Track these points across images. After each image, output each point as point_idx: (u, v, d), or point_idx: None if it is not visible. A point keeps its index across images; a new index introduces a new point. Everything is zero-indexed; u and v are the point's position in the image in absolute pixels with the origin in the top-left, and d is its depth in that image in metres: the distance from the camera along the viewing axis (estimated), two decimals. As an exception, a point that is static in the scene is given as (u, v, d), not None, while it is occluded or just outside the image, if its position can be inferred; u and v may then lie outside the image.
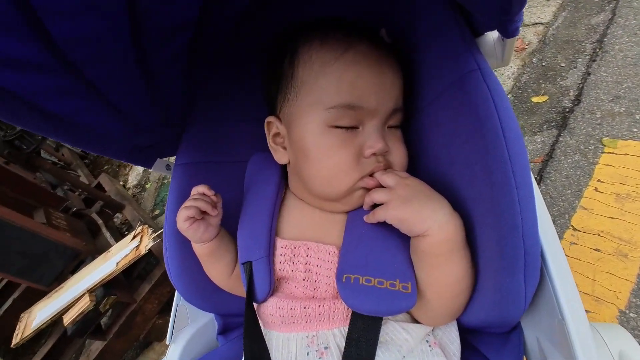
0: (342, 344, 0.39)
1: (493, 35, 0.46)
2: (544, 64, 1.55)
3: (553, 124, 1.31)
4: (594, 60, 1.43)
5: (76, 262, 1.31)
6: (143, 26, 0.39)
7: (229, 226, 0.50)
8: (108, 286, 1.14)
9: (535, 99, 1.44)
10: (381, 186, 0.42)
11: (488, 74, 0.36)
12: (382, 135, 0.44)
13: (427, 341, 0.41)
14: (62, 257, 1.24)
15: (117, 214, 1.89)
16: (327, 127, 0.43)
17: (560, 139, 1.25)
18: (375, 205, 0.42)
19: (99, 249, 1.42)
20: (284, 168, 0.54)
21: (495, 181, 0.34)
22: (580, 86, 1.37)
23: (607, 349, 0.35)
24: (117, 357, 1.25)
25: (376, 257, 0.40)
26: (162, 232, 1.23)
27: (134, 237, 1.20)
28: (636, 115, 1.17)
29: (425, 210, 0.37)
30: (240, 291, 0.52)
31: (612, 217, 0.99)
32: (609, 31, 1.49)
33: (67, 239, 1.26)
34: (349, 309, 0.40)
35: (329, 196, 0.46)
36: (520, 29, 1.90)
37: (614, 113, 1.21)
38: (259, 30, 0.58)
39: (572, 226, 1.02)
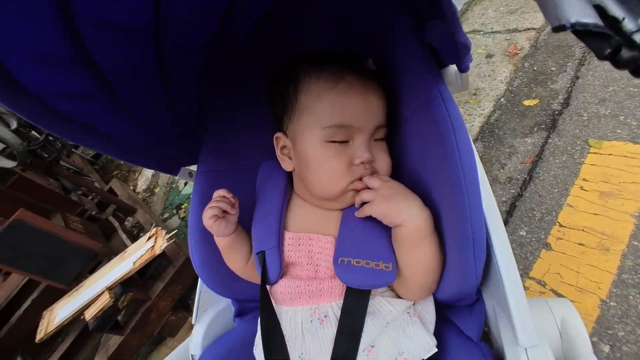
0: (339, 313, 0.48)
1: (454, 67, 0.55)
2: (535, 68, 1.62)
3: (543, 126, 1.37)
4: (583, 65, 1.50)
5: (94, 263, 1.39)
6: (167, 53, 0.48)
7: (243, 223, 0.59)
8: (125, 284, 1.22)
9: (526, 102, 1.50)
10: (368, 188, 0.52)
11: (448, 100, 0.46)
12: (369, 147, 0.53)
13: (407, 312, 0.50)
14: (80, 258, 1.33)
15: (129, 217, 1.98)
16: (324, 142, 0.53)
17: (550, 140, 1.31)
18: (363, 203, 0.52)
19: (114, 250, 1.50)
20: (289, 174, 0.63)
21: (452, 182, 0.43)
22: (569, 89, 1.44)
23: (552, 316, 0.43)
24: (133, 352, 1.32)
25: (364, 244, 0.50)
26: (174, 233, 1.31)
27: (149, 238, 1.28)
28: (620, 117, 1.23)
29: (402, 206, 0.47)
30: (254, 278, 0.61)
31: (595, 214, 1.06)
32: (596, 36, 1.55)
33: (85, 241, 1.34)
34: (344, 285, 0.49)
35: (327, 196, 0.55)
36: (513, 34, 1.96)
37: (600, 115, 1.28)
38: (261, 56, 0.68)
39: (559, 222, 1.09)
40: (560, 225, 1.08)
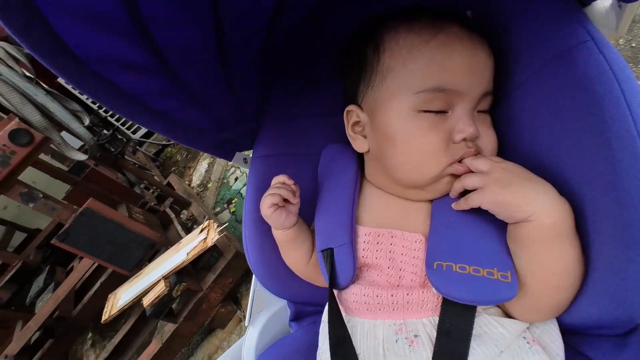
0: (433, 333, 0.38)
1: (604, 2, 0.39)
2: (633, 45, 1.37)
3: None
4: None
5: (153, 252, 1.47)
6: (225, 34, 0.44)
7: (302, 216, 0.52)
8: (179, 274, 1.26)
9: None
10: (471, 172, 0.41)
11: (603, 44, 0.33)
12: (473, 119, 0.42)
13: (524, 337, 0.38)
14: (141, 246, 1.40)
15: (184, 210, 2.08)
16: (416, 112, 0.42)
17: None
18: (464, 193, 0.41)
19: (170, 240, 1.57)
20: (359, 158, 0.54)
21: (615, 159, 0.31)
22: None
23: None
24: (185, 339, 1.37)
25: (469, 245, 0.39)
26: (225, 226, 1.33)
27: (202, 230, 1.31)
28: None
29: (530, 194, 0.35)
30: (315, 279, 0.54)
31: None
32: None
33: (146, 231, 1.42)
34: (439, 299, 0.39)
35: (415, 183, 0.45)
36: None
37: None
38: (324, 32, 0.61)
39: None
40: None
